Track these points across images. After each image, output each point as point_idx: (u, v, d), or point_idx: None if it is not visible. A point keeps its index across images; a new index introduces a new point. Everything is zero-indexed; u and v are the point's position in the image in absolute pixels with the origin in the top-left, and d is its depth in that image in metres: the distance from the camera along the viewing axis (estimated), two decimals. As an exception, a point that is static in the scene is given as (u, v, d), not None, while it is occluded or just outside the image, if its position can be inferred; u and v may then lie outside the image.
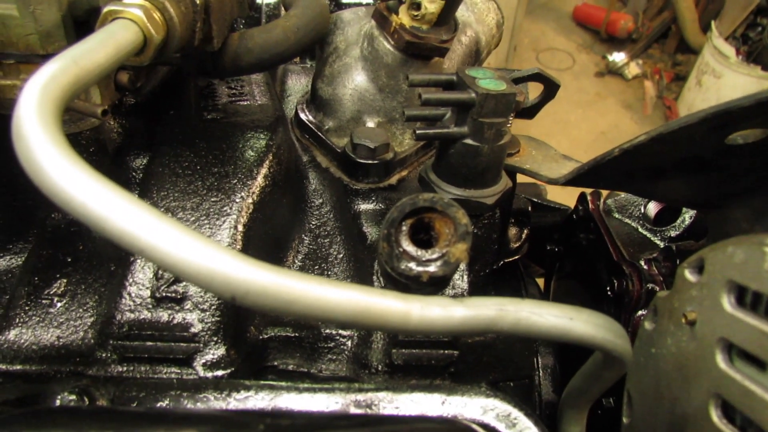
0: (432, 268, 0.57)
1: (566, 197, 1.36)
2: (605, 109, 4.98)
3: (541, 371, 0.95)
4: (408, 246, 0.58)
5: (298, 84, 1.12)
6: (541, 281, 1.49)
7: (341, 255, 0.83)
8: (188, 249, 0.41)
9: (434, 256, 0.57)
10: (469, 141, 0.72)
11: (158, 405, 0.58)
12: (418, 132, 0.71)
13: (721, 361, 0.51)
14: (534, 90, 0.98)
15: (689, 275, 0.57)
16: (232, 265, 0.42)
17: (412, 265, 0.57)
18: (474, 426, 0.51)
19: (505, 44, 4.62)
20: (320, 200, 0.87)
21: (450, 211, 0.57)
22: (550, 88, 0.90)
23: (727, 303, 0.50)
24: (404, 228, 0.58)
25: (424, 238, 0.62)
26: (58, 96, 0.46)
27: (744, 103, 0.51)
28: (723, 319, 0.50)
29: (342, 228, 0.85)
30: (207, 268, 0.41)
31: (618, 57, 5.24)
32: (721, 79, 4.30)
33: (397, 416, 0.55)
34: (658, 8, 5.29)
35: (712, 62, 4.32)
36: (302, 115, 0.91)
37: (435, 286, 0.62)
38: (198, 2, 0.66)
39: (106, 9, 0.58)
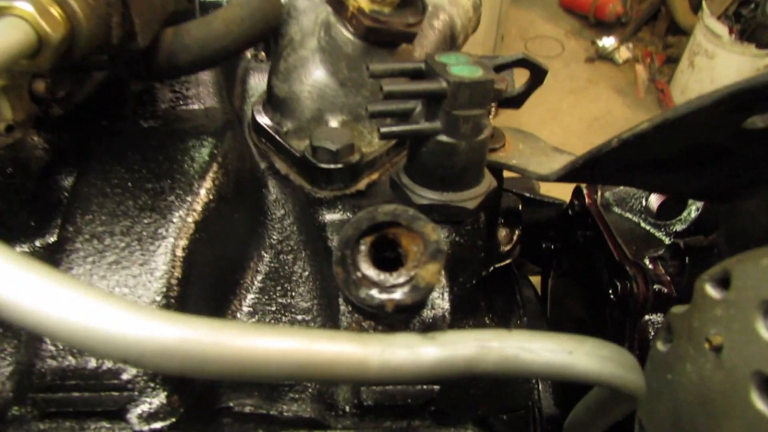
0: (398, 295, 0.47)
1: (562, 191, 1.26)
2: (597, 95, 4.88)
3: (540, 384, 0.85)
4: (368, 269, 0.48)
5: (261, 83, 1.01)
6: (536, 279, 1.40)
7: (306, 273, 0.73)
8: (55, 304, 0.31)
9: (400, 280, 0.47)
10: (443, 138, 0.61)
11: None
12: (382, 130, 0.61)
13: (757, 399, 0.41)
14: (520, 77, 0.88)
15: (711, 290, 0.47)
16: (117, 320, 0.32)
17: (374, 292, 0.47)
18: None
19: (492, 34, 4.51)
20: (282, 212, 0.77)
21: (416, 225, 0.46)
22: (537, 74, 0.80)
23: (764, 328, 0.40)
24: (363, 248, 0.48)
25: (391, 256, 0.52)
26: None
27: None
28: (758, 348, 0.41)
29: (307, 242, 0.75)
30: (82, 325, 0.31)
31: (607, 42, 5.15)
32: (715, 60, 4.21)
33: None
34: (647, -10, 5.19)
35: (705, 42, 4.22)
36: (259, 118, 0.81)
37: (405, 312, 0.52)
38: (112, -10, 0.56)
39: (-12, 2, 0.48)
